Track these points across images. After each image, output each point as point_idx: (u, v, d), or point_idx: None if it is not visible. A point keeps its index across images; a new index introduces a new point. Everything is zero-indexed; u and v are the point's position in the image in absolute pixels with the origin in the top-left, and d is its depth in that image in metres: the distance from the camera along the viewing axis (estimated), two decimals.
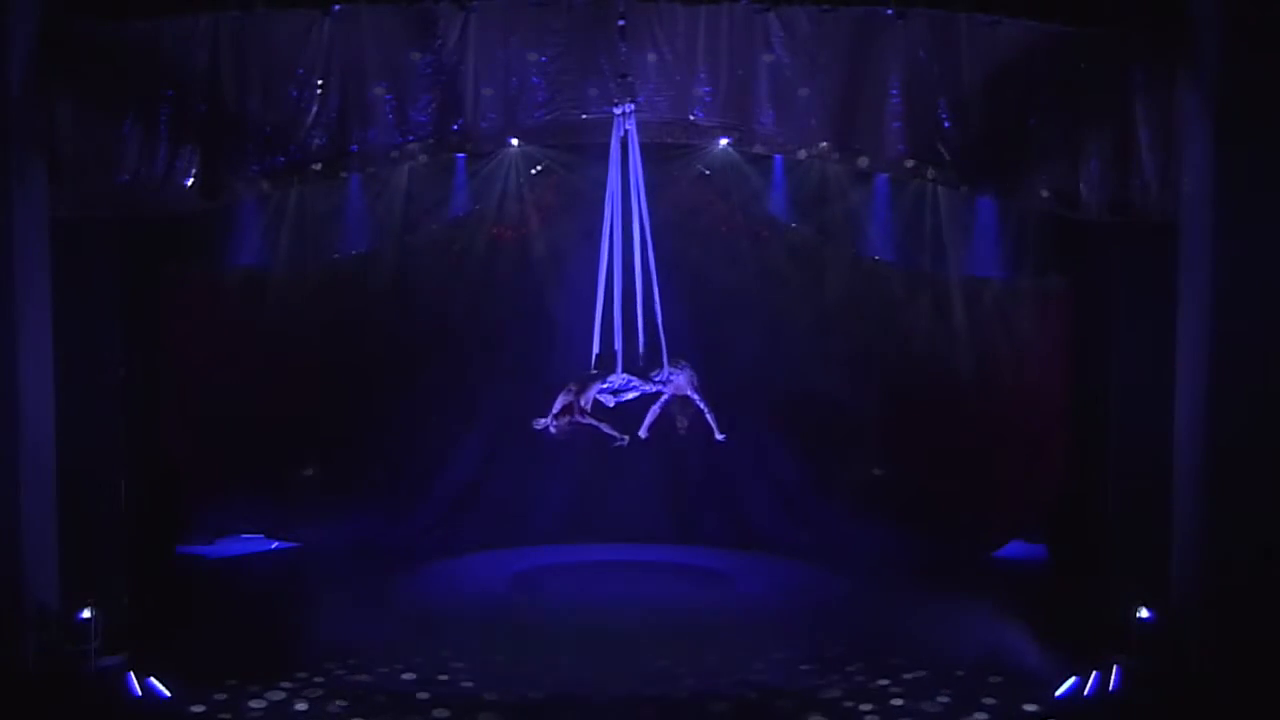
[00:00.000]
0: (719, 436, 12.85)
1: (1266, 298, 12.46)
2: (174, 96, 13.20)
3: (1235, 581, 12.29)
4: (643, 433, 12.67)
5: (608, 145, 12.82)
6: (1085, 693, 12.19)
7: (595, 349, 12.54)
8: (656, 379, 12.42)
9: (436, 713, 11.33)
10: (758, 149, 14.25)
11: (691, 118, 13.47)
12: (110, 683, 12.42)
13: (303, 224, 16.34)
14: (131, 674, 12.55)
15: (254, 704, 11.64)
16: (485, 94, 13.61)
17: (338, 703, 11.50)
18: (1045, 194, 13.31)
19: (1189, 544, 12.85)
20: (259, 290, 16.56)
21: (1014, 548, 16.71)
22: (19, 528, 12.69)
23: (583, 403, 12.18)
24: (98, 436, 13.78)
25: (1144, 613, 12.80)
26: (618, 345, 12.47)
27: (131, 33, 13.13)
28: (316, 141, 13.49)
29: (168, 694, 12.30)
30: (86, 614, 12.73)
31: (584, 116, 13.53)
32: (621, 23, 13.14)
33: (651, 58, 13.48)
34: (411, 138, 13.67)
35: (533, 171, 16.66)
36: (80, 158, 13.18)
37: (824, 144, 13.49)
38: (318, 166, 13.59)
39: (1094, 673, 12.38)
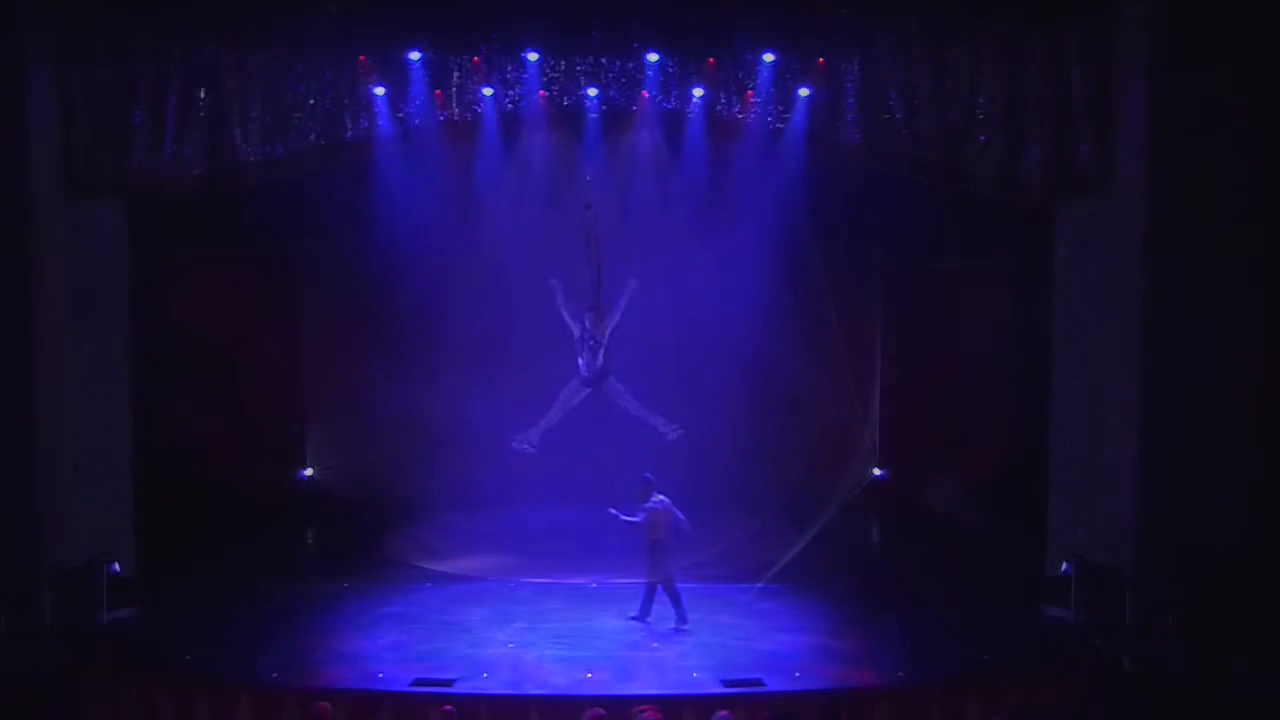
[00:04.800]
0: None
1: (1196, 273, 13.47)
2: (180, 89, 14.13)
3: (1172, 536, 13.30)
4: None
5: None
6: None
7: None
8: None
9: None
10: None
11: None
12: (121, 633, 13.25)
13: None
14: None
15: None
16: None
17: None
18: (989, 179, 14.32)
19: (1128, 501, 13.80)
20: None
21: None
22: (36, 494, 13.57)
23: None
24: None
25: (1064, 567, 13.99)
26: None
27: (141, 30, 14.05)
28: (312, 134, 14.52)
29: None
30: (117, 567, 13.85)
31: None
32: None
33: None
34: (401, 128, 14.68)
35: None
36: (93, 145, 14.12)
37: None
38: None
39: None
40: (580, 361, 13.88)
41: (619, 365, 14.59)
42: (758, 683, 11.67)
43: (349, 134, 14.55)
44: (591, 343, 13.75)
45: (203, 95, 14.24)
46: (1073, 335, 14.54)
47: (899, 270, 16.96)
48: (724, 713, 9.81)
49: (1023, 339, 15.65)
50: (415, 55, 14.47)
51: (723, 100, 14.77)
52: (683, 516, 13.56)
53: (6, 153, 13.34)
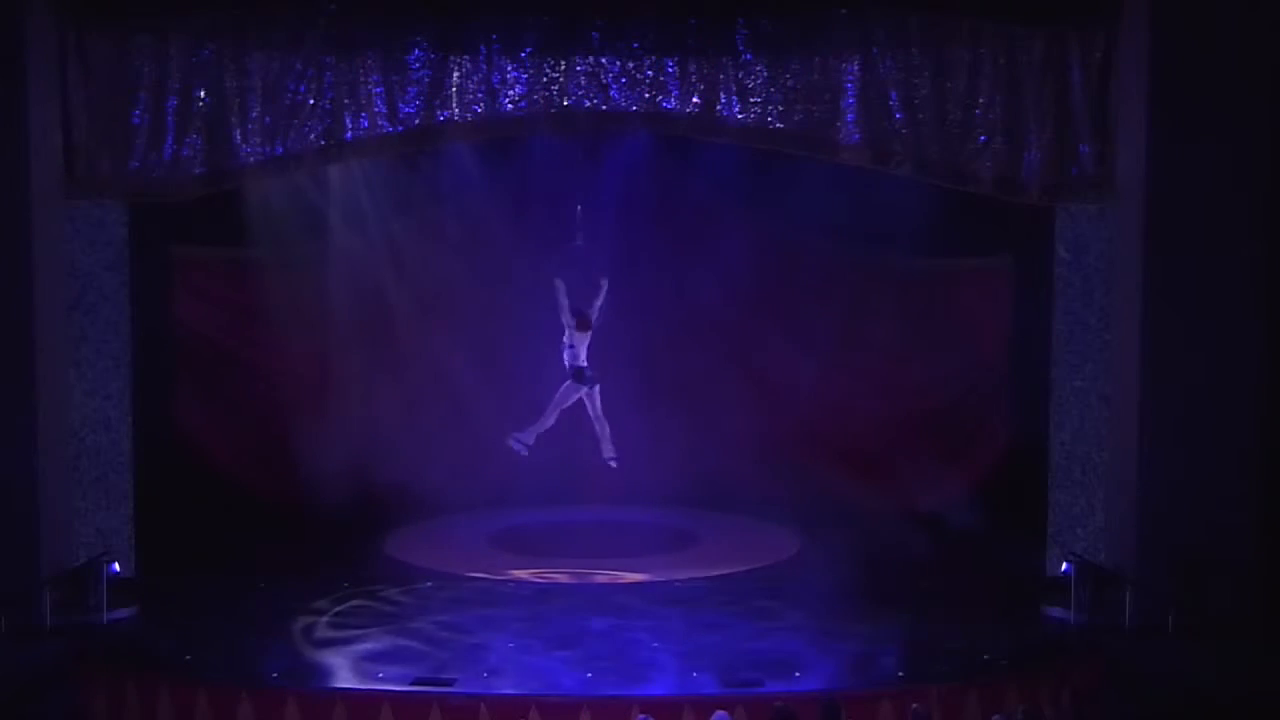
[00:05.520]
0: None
1: (1196, 273, 13.49)
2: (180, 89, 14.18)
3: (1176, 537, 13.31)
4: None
5: None
6: None
7: None
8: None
9: None
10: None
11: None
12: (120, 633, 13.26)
13: None
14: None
15: None
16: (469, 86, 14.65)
17: None
18: (989, 180, 14.35)
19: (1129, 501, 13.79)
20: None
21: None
22: (36, 494, 13.56)
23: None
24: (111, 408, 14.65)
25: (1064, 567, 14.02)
26: None
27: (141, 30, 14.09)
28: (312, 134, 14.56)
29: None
30: (116, 567, 13.89)
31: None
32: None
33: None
34: (401, 128, 14.70)
35: None
36: (93, 146, 14.16)
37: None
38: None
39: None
40: (566, 362, 14.14)
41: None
42: (758, 682, 11.68)
43: (349, 134, 14.55)
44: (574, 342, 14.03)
45: (203, 95, 14.26)
46: (1073, 335, 14.56)
47: (898, 270, 16.94)
48: (723, 713, 9.81)
49: (1022, 339, 15.67)
50: (415, 55, 14.49)
51: (722, 100, 14.75)
52: None
53: (6, 153, 13.34)
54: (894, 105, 14.31)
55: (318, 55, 14.31)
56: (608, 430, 14.68)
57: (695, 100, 14.71)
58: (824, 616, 13.57)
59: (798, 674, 11.94)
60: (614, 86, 14.67)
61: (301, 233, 16.44)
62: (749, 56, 14.48)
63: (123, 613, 13.62)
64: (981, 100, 14.22)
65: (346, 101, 14.48)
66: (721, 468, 17.05)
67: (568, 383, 14.40)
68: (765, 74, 14.54)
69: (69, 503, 14.29)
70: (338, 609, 14.02)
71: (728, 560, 15.84)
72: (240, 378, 16.83)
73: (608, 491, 17.00)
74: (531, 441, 14.62)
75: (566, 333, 14.31)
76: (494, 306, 17.58)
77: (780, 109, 14.61)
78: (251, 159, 14.43)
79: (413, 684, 11.65)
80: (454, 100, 14.64)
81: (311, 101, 14.37)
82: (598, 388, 14.45)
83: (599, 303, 14.51)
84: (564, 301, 14.33)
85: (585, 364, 14.39)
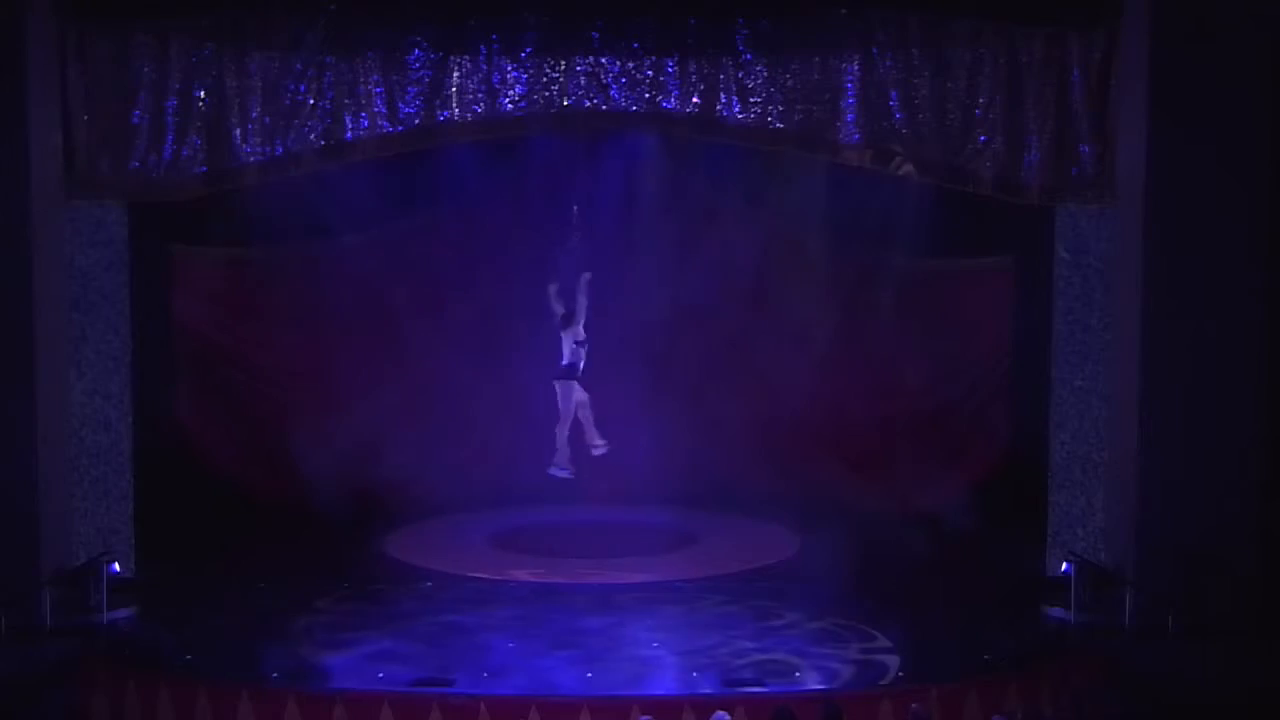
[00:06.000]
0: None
1: (1195, 273, 13.51)
2: (180, 89, 14.21)
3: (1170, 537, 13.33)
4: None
5: None
6: None
7: None
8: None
9: None
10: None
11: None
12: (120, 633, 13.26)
13: None
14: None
15: None
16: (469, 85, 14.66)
17: None
18: (989, 180, 14.37)
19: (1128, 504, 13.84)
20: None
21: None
22: (36, 494, 13.60)
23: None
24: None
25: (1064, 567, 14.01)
26: None
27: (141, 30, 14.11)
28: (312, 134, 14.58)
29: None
30: (116, 567, 13.89)
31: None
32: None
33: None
34: (401, 128, 14.71)
35: None
36: (93, 146, 14.19)
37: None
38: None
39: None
40: (565, 362, 14.14)
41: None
42: (758, 682, 11.68)
43: (349, 134, 14.57)
44: (575, 341, 14.05)
45: (203, 95, 14.29)
46: (1073, 335, 14.56)
47: (898, 270, 16.96)
48: (723, 713, 9.81)
49: (1022, 338, 15.68)
50: (415, 55, 14.51)
51: (722, 100, 14.76)
52: None
53: (6, 152, 13.38)
54: (894, 105, 14.34)
55: (318, 55, 14.34)
56: (564, 434, 14.64)
57: (695, 100, 14.73)
58: (824, 616, 13.58)
59: (798, 674, 11.95)
60: (614, 86, 14.70)
61: (301, 233, 16.42)
62: (749, 56, 14.51)
63: (123, 613, 13.61)
64: (981, 100, 14.25)
65: (346, 101, 14.51)
66: (721, 468, 17.06)
67: (562, 386, 14.40)
68: (765, 74, 14.57)
69: (69, 503, 14.30)
70: (338, 609, 14.02)
71: (728, 560, 15.84)
72: (240, 378, 16.84)
73: (608, 491, 17.01)
74: (569, 460, 14.73)
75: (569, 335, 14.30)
76: (494, 306, 17.57)
77: (780, 109, 14.63)
78: (251, 159, 14.46)
79: (413, 684, 11.64)
80: (454, 100, 14.66)
81: (311, 101, 14.40)
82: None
83: (581, 298, 14.51)
84: (557, 307, 14.33)
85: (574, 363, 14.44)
